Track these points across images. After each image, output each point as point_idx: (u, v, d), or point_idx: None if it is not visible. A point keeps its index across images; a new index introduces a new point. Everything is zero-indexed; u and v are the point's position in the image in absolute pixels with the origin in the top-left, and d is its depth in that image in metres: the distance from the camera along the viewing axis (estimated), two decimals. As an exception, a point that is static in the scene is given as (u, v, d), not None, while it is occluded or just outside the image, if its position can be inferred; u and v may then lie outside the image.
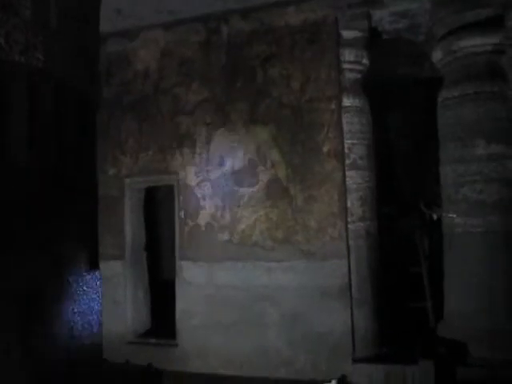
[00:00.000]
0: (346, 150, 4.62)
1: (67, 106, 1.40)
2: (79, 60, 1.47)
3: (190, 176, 5.04)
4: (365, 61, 4.78)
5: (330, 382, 4.17)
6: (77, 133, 1.47)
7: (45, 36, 1.30)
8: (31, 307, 1.23)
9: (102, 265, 1.70)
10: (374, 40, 4.91)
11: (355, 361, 4.40)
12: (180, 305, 5.00)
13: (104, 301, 1.68)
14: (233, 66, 4.96)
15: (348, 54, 4.67)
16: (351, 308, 4.45)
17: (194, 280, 4.96)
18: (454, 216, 4.34)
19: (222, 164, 4.93)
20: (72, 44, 1.43)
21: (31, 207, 1.25)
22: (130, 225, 5.37)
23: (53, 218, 1.33)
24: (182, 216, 5.05)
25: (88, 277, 1.49)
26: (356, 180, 4.61)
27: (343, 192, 4.56)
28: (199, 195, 5.00)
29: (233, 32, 4.97)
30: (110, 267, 5.12)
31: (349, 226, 4.56)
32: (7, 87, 1.21)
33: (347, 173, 4.60)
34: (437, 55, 4.64)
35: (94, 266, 1.58)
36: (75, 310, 1.39)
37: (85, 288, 1.46)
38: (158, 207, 6.63)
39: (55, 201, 1.34)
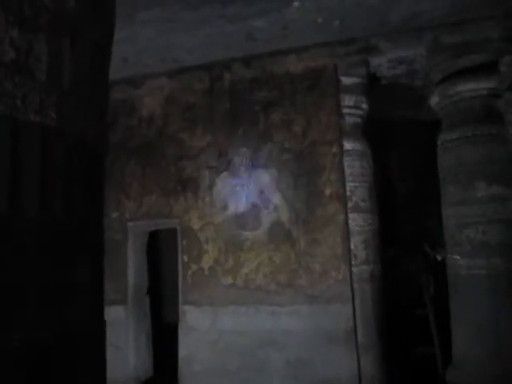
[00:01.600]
0: (348, 193, 4.68)
1: (78, 160, 1.46)
2: (89, 115, 1.55)
3: (194, 220, 5.08)
4: (364, 105, 4.91)
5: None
6: (86, 183, 1.53)
7: (58, 96, 1.38)
8: (38, 362, 1.25)
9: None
10: (372, 85, 5.07)
11: (362, 408, 4.31)
12: (183, 350, 4.94)
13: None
14: (235, 112, 5.09)
15: (348, 100, 4.80)
16: (357, 353, 4.40)
17: (197, 325, 4.92)
18: (458, 258, 4.35)
19: (225, 208, 4.99)
20: (83, 101, 1.51)
21: (41, 259, 1.30)
22: (133, 269, 5.37)
23: (61, 270, 1.37)
24: (185, 260, 5.07)
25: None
26: (359, 222, 4.65)
27: (346, 235, 4.59)
28: (202, 239, 5.03)
29: (235, 79, 5.13)
30: (112, 312, 5.06)
31: (353, 269, 4.56)
32: (22, 145, 1.28)
33: (350, 215, 4.64)
34: (434, 99, 4.78)
35: (100, 315, 1.61)
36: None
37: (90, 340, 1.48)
38: (161, 251, 6.65)
39: (64, 252, 1.39)
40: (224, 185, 5.01)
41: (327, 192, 4.67)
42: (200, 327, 4.90)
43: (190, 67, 5.19)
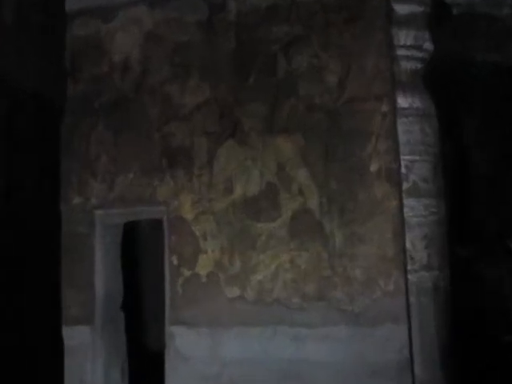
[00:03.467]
0: (403, 170, 4.68)
1: (25, 116, 1.52)
2: (39, 58, 1.60)
3: (186, 207, 5.13)
4: (427, 45, 4.86)
5: None
6: (33, 147, 1.59)
7: (-2, 32, 1.43)
8: None
9: (63, 331, 1.78)
10: (440, 16, 5.01)
11: None
12: (171, 388, 5.04)
13: (67, 382, 1.75)
14: (244, 55, 5.10)
15: (404, 37, 4.77)
16: (414, 393, 4.45)
17: (190, 353, 5.00)
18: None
19: (229, 190, 5.03)
20: (31, 40, 1.56)
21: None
22: (103, 274, 5.44)
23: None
24: (175, 262, 5.13)
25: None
26: (418, 211, 4.64)
27: (400, 228, 4.60)
28: (198, 233, 5.08)
29: (244, 8, 5.12)
30: (75, 335, 5.10)
31: (409, 276, 4.58)
32: None
33: (405, 201, 4.64)
34: (530, 35, 4.72)
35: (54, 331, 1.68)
36: None
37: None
38: (141, 250, 6.74)
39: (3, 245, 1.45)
40: (228, 157, 5.05)
41: (373, 168, 4.68)
42: (195, 356, 4.98)
43: (180, -9, 5.21)
